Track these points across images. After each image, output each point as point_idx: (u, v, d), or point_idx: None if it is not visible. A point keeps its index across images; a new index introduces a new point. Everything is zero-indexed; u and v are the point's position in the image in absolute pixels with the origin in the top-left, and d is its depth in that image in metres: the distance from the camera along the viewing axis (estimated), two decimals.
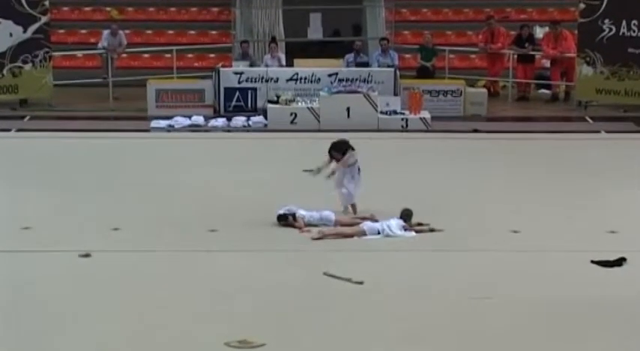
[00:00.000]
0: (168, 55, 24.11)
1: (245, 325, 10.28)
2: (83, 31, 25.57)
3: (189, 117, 20.89)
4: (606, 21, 21.59)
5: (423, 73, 23.38)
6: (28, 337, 10.13)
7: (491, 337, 10.14)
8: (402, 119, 20.54)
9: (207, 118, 20.98)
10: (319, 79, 21.65)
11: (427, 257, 12.58)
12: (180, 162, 17.62)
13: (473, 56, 24.95)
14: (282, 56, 23.03)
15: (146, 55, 24.95)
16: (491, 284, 11.59)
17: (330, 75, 21.68)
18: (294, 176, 16.37)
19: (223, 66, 22.45)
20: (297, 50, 24.21)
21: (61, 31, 25.16)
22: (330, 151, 14.16)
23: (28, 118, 21.44)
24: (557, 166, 17.22)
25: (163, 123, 20.65)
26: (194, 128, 20.62)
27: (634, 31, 21.45)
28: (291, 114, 20.61)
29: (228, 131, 20.55)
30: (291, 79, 21.77)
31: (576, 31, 22.41)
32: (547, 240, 13.18)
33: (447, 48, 23.99)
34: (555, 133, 20.24)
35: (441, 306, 10.91)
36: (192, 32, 25.86)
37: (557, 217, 14.22)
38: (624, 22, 21.48)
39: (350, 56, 22.90)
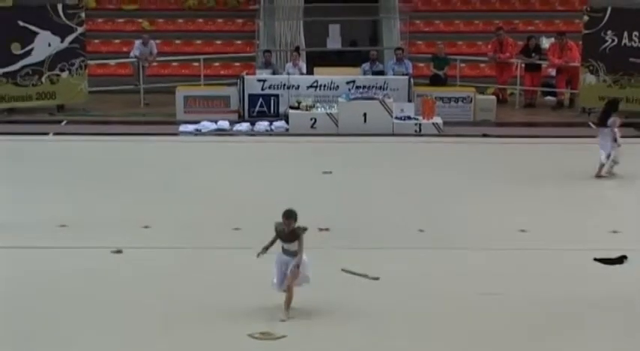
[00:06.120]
0: (196, 64, 24.13)
1: (267, 318, 10.25)
2: (117, 41, 25.59)
3: (216, 122, 20.89)
4: (609, 32, 21.50)
5: (436, 80, 23.31)
6: (64, 324, 10.17)
7: (498, 332, 10.08)
8: (416, 124, 20.48)
9: (232, 123, 20.98)
10: (338, 86, 21.62)
11: (437, 255, 12.51)
12: (207, 164, 17.63)
13: (483, 65, 24.85)
14: (303, 65, 23.03)
15: (175, 64, 24.97)
16: (500, 281, 11.52)
17: (348, 82, 21.65)
18: (313, 177, 16.38)
19: (248, 74, 22.44)
20: (317, 59, 24.17)
21: (96, 41, 25.19)
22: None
23: (64, 122, 21.48)
24: (561, 169, 17.14)
25: (191, 127, 20.66)
26: (220, 132, 20.62)
27: (635, 42, 21.34)
28: (311, 119, 20.58)
29: (252, 135, 20.53)
30: (311, 86, 21.74)
31: (581, 42, 22.31)
32: (553, 239, 13.12)
33: (458, 57, 23.93)
34: (560, 137, 20.14)
35: (450, 301, 10.84)
36: (219, 42, 25.85)
37: (562, 217, 14.16)
38: (626, 34, 21.37)
39: (367, 65, 22.86)
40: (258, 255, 10.48)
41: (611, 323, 10.30)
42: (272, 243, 10.49)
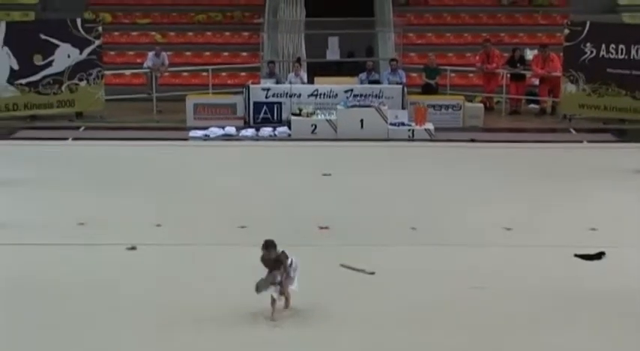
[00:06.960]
0: (205, 74, 24.17)
1: (268, 309, 10.21)
2: (131, 53, 25.64)
3: (223, 128, 20.92)
4: (588, 45, 21.53)
5: (428, 89, 23.35)
6: (81, 314, 10.21)
7: (498, 329, 10.03)
8: (409, 130, 20.52)
9: (238, 129, 21.00)
10: (336, 94, 21.66)
11: (429, 251, 12.53)
12: (215, 167, 17.66)
13: (471, 75, 24.88)
14: (304, 74, 23.06)
15: (185, 74, 25.00)
16: (487, 275, 11.54)
17: (346, 91, 21.68)
18: (314, 179, 16.42)
19: (253, 83, 22.49)
20: (317, 69, 24.20)
21: (112, 52, 25.24)
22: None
23: (82, 128, 21.51)
24: (544, 172, 17.18)
25: (200, 133, 20.70)
26: (227, 137, 20.66)
27: (612, 54, 21.39)
28: (312, 125, 20.62)
29: (257, 140, 20.56)
30: (311, 95, 21.78)
31: (562, 54, 22.35)
32: (536, 236, 13.14)
33: (448, 68, 23.97)
34: (543, 142, 20.18)
35: (447, 298, 10.83)
36: (226, 54, 25.89)
37: (544, 216, 14.17)
38: (604, 46, 21.40)
39: (363, 75, 22.89)
40: (259, 291, 9.93)
41: (608, 320, 10.26)
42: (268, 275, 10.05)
